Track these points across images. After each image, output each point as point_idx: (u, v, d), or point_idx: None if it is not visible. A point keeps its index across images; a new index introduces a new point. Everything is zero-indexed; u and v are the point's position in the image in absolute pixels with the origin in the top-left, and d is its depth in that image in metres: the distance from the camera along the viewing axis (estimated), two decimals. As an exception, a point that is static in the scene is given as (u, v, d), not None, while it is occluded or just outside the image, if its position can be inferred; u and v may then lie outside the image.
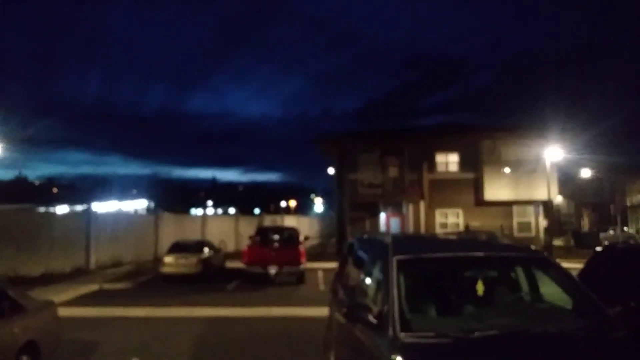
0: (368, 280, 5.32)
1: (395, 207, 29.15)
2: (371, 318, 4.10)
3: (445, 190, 28.15)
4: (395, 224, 29.20)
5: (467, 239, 6.31)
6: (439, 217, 28.53)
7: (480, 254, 4.81)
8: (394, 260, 4.40)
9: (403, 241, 5.88)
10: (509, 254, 5.13)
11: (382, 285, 4.45)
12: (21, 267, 16.08)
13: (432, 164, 28.67)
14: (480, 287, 4.38)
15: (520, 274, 5.03)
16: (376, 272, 4.98)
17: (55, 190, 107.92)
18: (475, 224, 27.23)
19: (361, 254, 6.35)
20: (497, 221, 27.11)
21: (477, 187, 28.06)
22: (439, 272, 4.76)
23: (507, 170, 27.61)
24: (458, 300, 4.45)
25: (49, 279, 16.26)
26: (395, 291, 4.10)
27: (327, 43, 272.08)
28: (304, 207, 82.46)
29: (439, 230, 27.97)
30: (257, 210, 60.51)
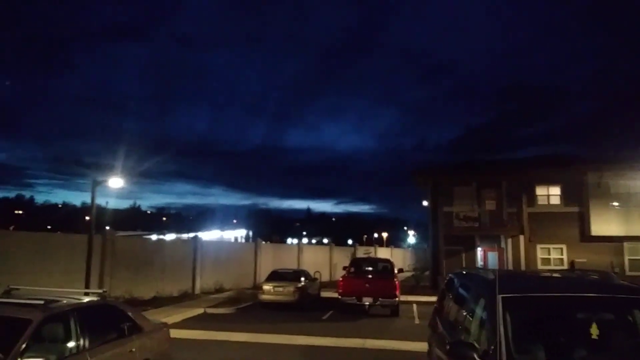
0: (470, 318, 5.22)
1: (493, 241, 28.04)
2: (476, 357, 4.06)
3: (547, 225, 26.67)
4: (492, 259, 28.03)
5: (578, 277, 6.00)
6: (540, 252, 26.99)
7: (595, 294, 4.61)
8: (500, 298, 4.34)
9: (509, 278, 5.73)
10: (628, 295, 4.78)
11: (487, 323, 4.38)
12: (135, 290, 17.37)
13: (532, 197, 27.36)
14: (594, 330, 4.17)
15: (639, 317, 4.73)
16: (479, 309, 4.90)
17: (164, 218, 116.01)
18: (580, 260, 25.45)
19: (462, 289, 6.25)
20: (605, 258, 25.13)
21: (582, 221, 26.32)
22: (548, 313, 4.59)
23: (615, 204, 25.70)
24: (569, 344, 4.29)
25: (159, 302, 17.42)
26: (501, 330, 4.04)
27: (421, 75, 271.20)
28: (396, 239, 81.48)
29: (540, 266, 26.48)
30: (350, 241, 60.67)
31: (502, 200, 27.41)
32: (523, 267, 25.91)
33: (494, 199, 27.94)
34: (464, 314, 5.56)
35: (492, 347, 3.99)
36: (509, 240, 27.28)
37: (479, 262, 27.85)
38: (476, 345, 4.32)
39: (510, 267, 26.35)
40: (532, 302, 4.57)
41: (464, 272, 7.05)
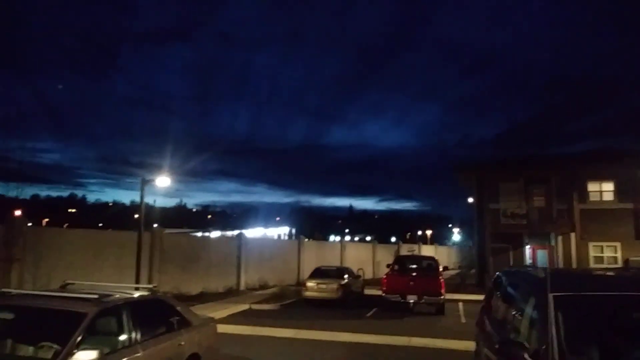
0: (520, 317, 5.11)
1: (542, 239, 27.23)
2: (527, 357, 3.98)
3: (600, 222, 25.64)
4: (542, 257, 27.23)
5: (634, 275, 5.76)
6: (592, 250, 26.00)
7: None
8: (552, 297, 4.23)
9: (561, 276, 5.56)
10: None
11: (537, 322, 4.29)
12: (183, 286, 17.81)
13: (584, 193, 26.37)
14: (652, 331, 4.00)
15: None
16: (529, 308, 4.80)
17: (209, 216, 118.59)
18: (636, 259, 24.35)
19: (511, 288, 6.13)
20: (663, 257, 23.96)
21: (638, 218, 25.18)
22: (602, 312, 4.42)
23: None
24: (625, 344, 4.12)
25: (205, 298, 17.81)
26: (553, 330, 3.93)
27: (464, 69, 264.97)
28: (440, 237, 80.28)
29: (593, 265, 25.52)
30: (393, 239, 60.21)
31: (551, 197, 26.59)
32: (574, 266, 25.08)
33: (542, 196, 27.14)
34: (513, 312, 5.46)
35: (544, 347, 3.89)
36: (559, 238, 26.43)
37: (528, 260, 27.14)
38: (526, 344, 4.23)
39: (561, 265, 25.54)
40: (585, 301, 4.41)
41: (513, 270, 6.92)
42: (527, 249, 27.56)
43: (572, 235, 25.86)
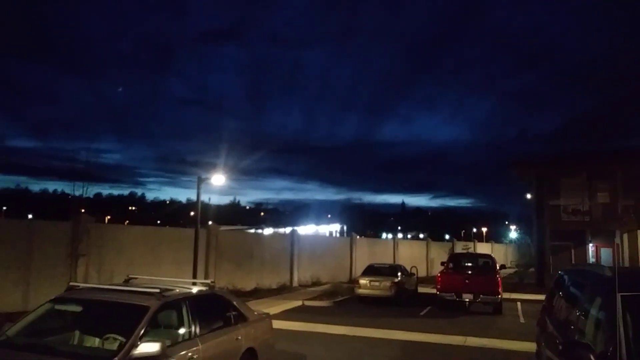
0: (584, 317, 4.96)
1: (606, 237, 26.01)
2: (593, 358, 3.87)
3: (670, 218, 24.20)
4: (606, 255, 26.02)
5: None
6: (661, 249, 24.58)
7: None
8: (619, 297, 4.04)
9: (629, 275, 5.30)
10: None
11: (604, 323, 4.17)
12: (237, 282, 18.18)
13: (652, 189, 24.94)
14: None
15: None
16: (594, 309, 4.66)
17: (262, 213, 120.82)
18: None
19: (574, 287, 5.95)
20: None
21: None
22: None
23: None
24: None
25: (259, 293, 18.13)
26: (621, 331, 3.77)
27: (520, 61, 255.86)
28: (496, 234, 78.05)
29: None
30: (447, 236, 59.13)
31: (616, 192, 25.36)
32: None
33: (606, 191, 25.94)
34: (577, 313, 5.29)
35: (611, 349, 3.75)
36: (625, 236, 25.18)
37: (591, 258, 26.01)
38: (592, 346, 4.08)
39: (627, 264, 24.32)
40: None
41: (576, 269, 6.68)
42: (590, 247, 26.43)
43: (639, 232, 24.59)
